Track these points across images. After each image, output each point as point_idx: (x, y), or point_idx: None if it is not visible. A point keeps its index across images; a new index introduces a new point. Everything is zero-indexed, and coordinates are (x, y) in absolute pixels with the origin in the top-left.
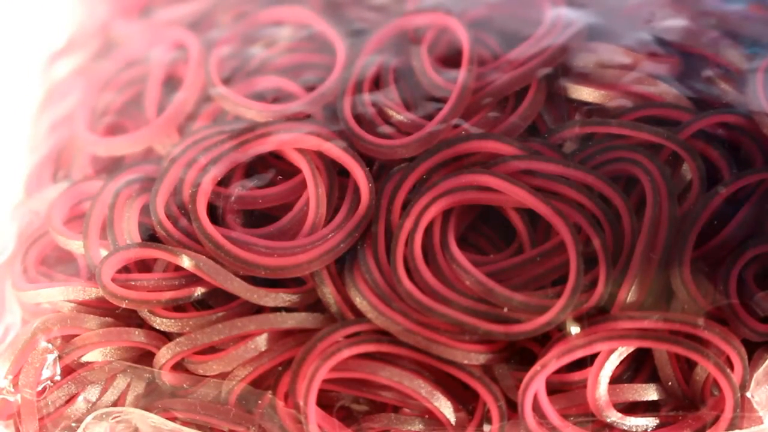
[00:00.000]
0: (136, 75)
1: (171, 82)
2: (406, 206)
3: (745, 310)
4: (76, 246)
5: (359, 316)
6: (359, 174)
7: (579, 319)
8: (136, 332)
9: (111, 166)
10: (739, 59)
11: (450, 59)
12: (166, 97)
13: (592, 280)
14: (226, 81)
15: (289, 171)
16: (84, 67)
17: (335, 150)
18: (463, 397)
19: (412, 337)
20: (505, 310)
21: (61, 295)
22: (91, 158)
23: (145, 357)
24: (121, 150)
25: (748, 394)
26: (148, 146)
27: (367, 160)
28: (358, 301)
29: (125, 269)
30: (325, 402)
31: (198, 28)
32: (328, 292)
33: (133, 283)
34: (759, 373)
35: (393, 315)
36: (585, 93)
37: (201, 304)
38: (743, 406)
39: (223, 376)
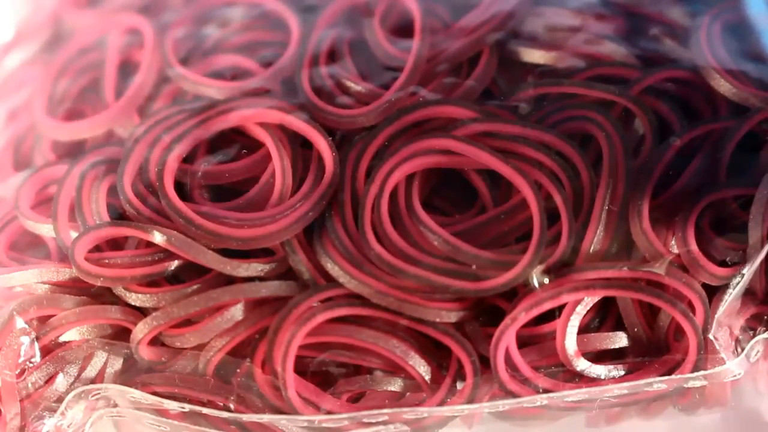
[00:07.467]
0: (92, 61)
1: (127, 67)
2: (370, 173)
3: (704, 256)
4: (45, 229)
5: (331, 281)
6: (322, 144)
7: (545, 273)
8: (112, 309)
9: (73, 151)
10: (682, 16)
11: (402, 29)
12: (123, 80)
13: (556, 234)
14: (183, 61)
15: (252, 145)
16: (37, 57)
17: (297, 122)
18: (437, 356)
19: (384, 298)
20: (474, 267)
21: (34, 277)
22: (52, 144)
23: (121, 333)
24: (82, 134)
25: (711, 336)
26: (109, 129)
27: (328, 131)
28: (330, 267)
29: (97, 249)
30: (301, 368)
31: (149, 13)
32: (299, 260)
33: (106, 261)
34: (719, 315)
35: (364, 278)
36: (536, 56)
37: (175, 279)
38: (706, 348)
39: (200, 347)
